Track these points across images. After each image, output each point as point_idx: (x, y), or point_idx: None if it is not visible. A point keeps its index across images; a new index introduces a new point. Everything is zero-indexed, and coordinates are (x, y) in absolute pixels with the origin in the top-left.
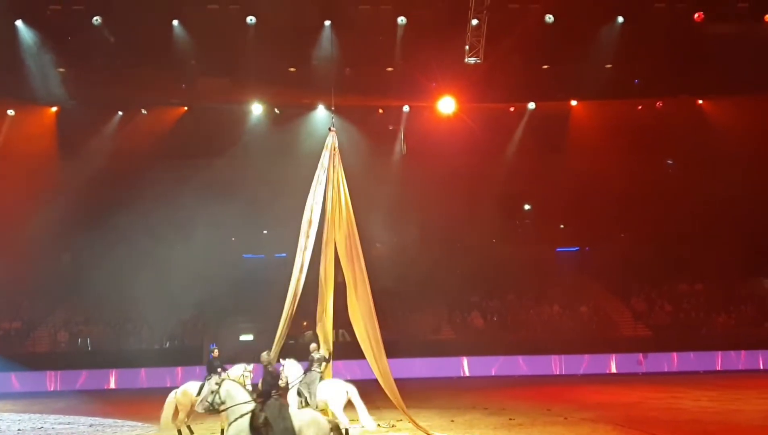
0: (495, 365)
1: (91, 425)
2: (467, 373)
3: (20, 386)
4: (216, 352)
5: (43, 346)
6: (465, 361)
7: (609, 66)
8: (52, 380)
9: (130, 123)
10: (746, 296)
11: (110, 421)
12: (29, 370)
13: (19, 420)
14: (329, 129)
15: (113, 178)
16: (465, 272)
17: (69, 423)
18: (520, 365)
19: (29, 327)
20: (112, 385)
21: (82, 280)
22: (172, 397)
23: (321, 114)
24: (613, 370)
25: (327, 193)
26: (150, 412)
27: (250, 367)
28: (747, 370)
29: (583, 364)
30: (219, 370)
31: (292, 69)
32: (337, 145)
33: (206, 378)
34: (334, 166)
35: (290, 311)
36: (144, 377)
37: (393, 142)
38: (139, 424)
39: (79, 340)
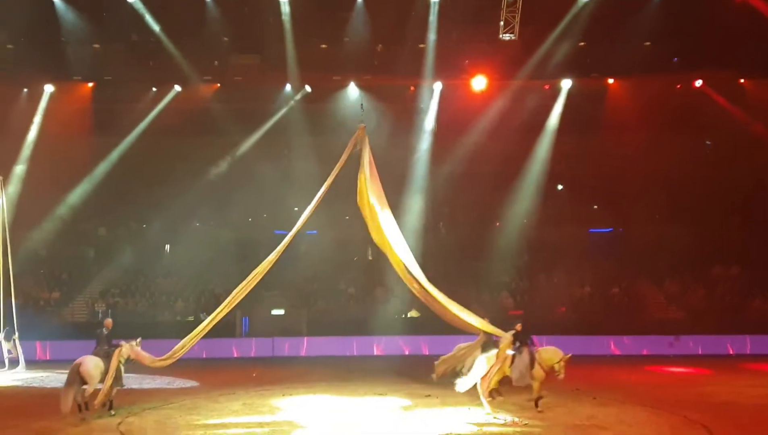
0: None
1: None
2: None
3: (59, 354)
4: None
5: (82, 316)
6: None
7: (647, 44)
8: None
9: (164, 99)
10: None
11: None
12: (67, 339)
13: None
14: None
15: (147, 153)
16: (495, 252)
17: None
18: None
19: (68, 298)
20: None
21: (116, 253)
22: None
23: (352, 92)
24: (644, 351)
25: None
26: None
27: None
28: None
29: (614, 344)
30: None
31: (323, 46)
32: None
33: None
34: (365, 161)
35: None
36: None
37: (424, 120)
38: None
39: (100, 312)
